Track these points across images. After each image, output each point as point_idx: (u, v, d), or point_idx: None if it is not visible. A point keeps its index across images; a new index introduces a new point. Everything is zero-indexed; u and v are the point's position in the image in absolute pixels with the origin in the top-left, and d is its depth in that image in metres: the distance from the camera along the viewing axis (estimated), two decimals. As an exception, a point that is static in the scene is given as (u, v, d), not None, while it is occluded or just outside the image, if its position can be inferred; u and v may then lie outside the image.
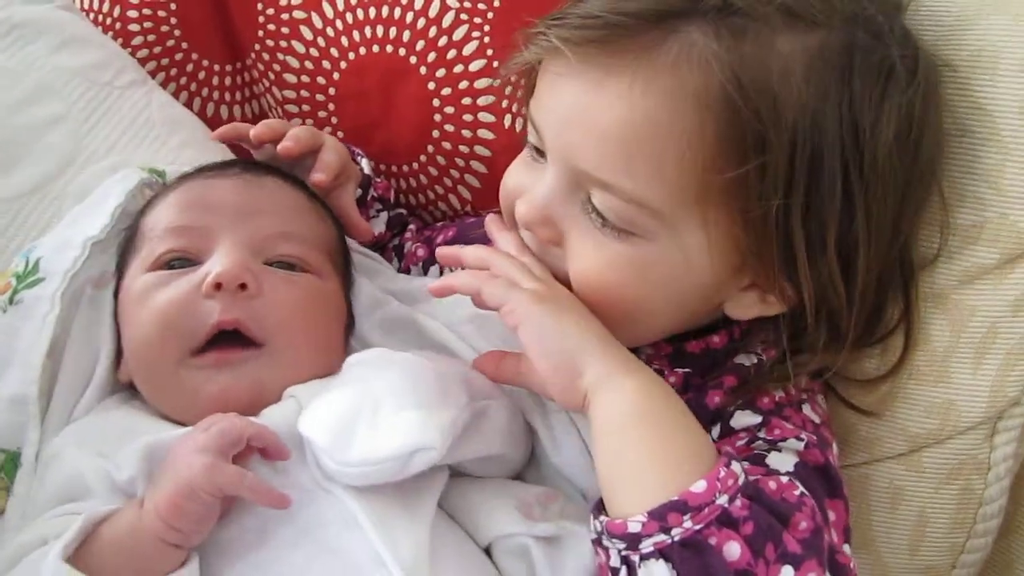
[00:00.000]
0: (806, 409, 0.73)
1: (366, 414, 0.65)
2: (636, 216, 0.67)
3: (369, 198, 0.95)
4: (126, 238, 0.81)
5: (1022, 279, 0.74)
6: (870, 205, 0.67)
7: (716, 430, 0.73)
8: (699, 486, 0.60)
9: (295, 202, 0.83)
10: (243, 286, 0.72)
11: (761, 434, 0.70)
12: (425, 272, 0.94)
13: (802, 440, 0.69)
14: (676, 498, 0.60)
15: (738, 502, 0.60)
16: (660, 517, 0.60)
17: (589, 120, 0.66)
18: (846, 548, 0.67)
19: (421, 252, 0.95)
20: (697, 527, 0.59)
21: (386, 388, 0.66)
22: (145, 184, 0.84)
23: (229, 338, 0.72)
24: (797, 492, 0.64)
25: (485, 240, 0.90)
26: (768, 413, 0.71)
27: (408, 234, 0.99)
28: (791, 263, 0.67)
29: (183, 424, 0.70)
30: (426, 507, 0.67)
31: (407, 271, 0.96)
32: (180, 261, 0.75)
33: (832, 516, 0.68)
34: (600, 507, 0.65)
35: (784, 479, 0.65)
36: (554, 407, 0.75)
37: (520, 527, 0.69)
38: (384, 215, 0.98)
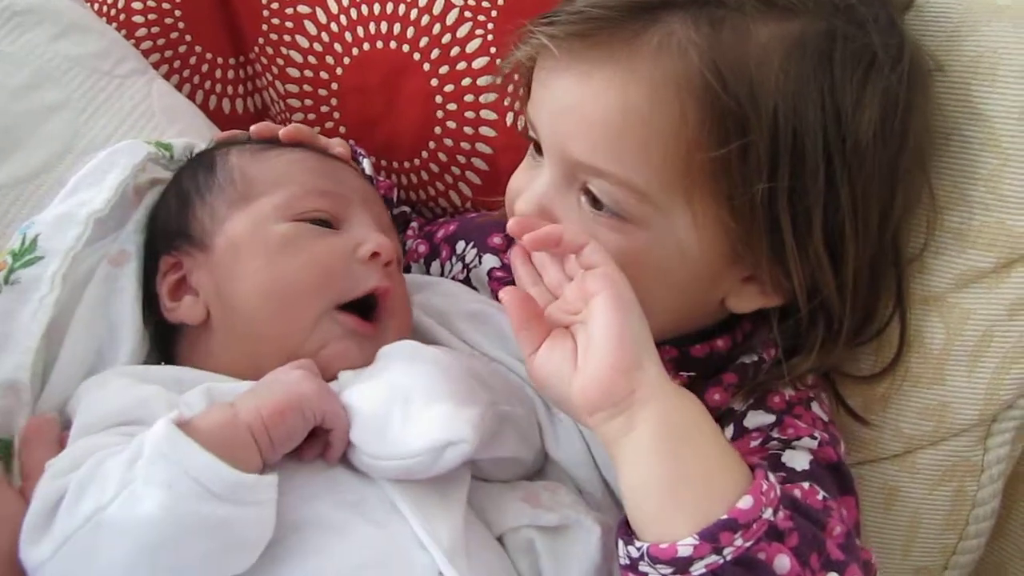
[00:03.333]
0: (815, 407, 0.74)
1: (398, 408, 0.65)
2: (627, 202, 0.68)
3: (371, 198, 0.95)
4: (204, 181, 0.79)
5: (1018, 283, 0.75)
6: (855, 188, 0.67)
7: (730, 430, 0.73)
8: (746, 501, 0.58)
9: (380, 197, 0.87)
10: (390, 263, 0.77)
11: (775, 433, 0.71)
12: (427, 268, 0.95)
13: (815, 438, 0.70)
14: (726, 517, 0.58)
15: (781, 514, 0.59)
16: (712, 538, 0.57)
17: (578, 111, 0.68)
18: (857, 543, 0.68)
19: (422, 248, 0.95)
20: (748, 544, 0.57)
21: (417, 382, 0.66)
22: (150, 159, 0.83)
23: (363, 309, 0.75)
24: (820, 497, 0.64)
25: (485, 234, 0.91)
26: (781, 412, 0.72)
27: (410, 232, 0.99)
28: (779, 249, 0.68)
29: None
30: (459, 497, 0.67)
31: (408, 268, 0.96)
32: (321, 221, 0.77)
33: (844, 513, 0.68)
34: (627, 529, 0.62)
35: (806, 485, 0.65)
36: None
37: (527, 518, 0.69)
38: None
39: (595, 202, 0.69)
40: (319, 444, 0.66)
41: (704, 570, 0.57)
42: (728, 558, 0.57)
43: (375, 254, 0.75)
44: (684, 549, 0.58)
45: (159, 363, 0.78)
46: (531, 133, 0.75)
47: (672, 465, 0.60)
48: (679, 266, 0.69)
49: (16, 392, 0.71)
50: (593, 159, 0.68)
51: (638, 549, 0.60)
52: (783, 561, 0.58)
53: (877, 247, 0.71)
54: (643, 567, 0.60)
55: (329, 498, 0.64)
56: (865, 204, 0.68)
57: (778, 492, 0.60)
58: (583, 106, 0.68)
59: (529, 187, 0.73)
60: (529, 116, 0.74)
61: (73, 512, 0.58)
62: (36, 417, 0.71)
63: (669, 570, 0.58)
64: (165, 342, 0.79)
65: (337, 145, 0.89)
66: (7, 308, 0.74)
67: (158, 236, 0.80)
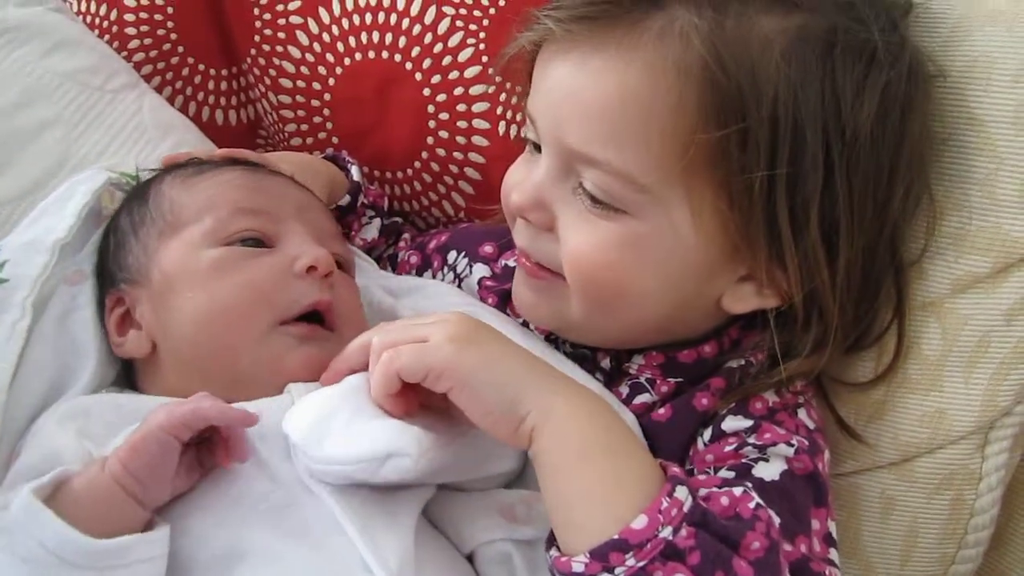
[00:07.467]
0: (801, 414, 0.73)
1: (344, 415, 0.65)
2: (623, 191, 0.68)
3: (359, 205, 0.95)
4: (138, 215, 0.80)
5: (1015, 288, 0.75)
6: (853, 181, 0.67)
7: (708, 432, 0.72)
8: (640, 522, 0.59)
9: (322, 204, 0.86)
10: (329, 274, 0.75)
11: (751, 439, 0.70)
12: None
13: (792, 445, 0.69)
14: (616, 537, 0.59)
15: (683, 532, 0.59)
16: (602, 557, 0.59)
17: (576, 97, 0.68)
18: (832, 554, 0.67)
19: (414, 259, 0.95)
20: (640, 564, 0.59)
21: (369, 393, 0.66)
22: (112, 184, 0.83)
23: (309, 320, 0.75)
24: (752, 505, 0.64)
25: (476, 243, 0.90)
26: (760, 418, 0.71)
27: (402, 243, 0.98)
28: (776, 243, 0.67)
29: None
30: (409, 515, 0.66)
31: (400, 278, 0.96)
32: (252, 241, 0.76)
33: (816, 525, 0.68)
34: (553, 539, 0.64)
35: (738, 491, 0.65)
36: None
37: (502, 531, 0.69)
38: (377, 222, 0.98)
39: (591, 197, 0.69)
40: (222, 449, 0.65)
41: None
42: None
43: (311, 268, 0.74)
44: (577, 566, 0.60)
45: (128, 376, 0.78)
46: (527, 133, 0.75)
47: (568, 487, 0.62)
48: (675, 258, 0.69)
49: None
50: (589, 147, 0.68)
51: (550, 559, 0.63)
52: None
53: (872, 245, 0.71)
54: (555, 574, 0.63)
55: (265, 524, 0.64)
56: (862, 198, 0.68)
57: (684, 508, 0.60)
58: (581, 92, 0.68)
59: (526, 179, 0.73)
60: (528, 110, 0.74)
61: None
62: None
63: None
64: (126, 369, 0.79)
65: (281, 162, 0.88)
66: None
67: (102, 273, 0.80)
